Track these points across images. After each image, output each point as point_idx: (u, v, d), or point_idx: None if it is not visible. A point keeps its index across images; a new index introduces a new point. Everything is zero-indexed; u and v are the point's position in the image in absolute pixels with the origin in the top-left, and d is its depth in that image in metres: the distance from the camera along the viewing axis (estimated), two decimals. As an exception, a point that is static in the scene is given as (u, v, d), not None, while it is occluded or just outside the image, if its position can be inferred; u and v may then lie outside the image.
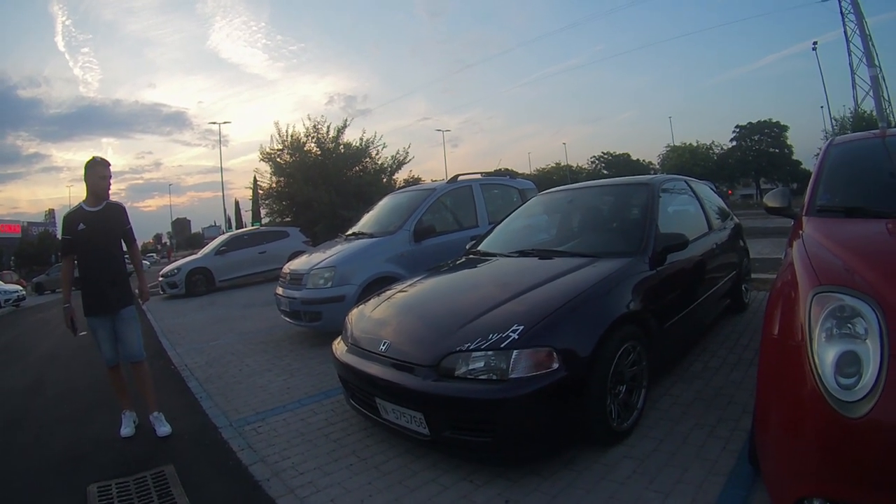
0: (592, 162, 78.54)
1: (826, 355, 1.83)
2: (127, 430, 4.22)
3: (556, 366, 2.85)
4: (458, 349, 3.02)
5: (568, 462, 3.09)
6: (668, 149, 70.20)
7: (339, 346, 3.96)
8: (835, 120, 43.34)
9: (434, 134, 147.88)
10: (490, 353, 2.92)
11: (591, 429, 3.06)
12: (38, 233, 66.45)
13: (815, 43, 46.20)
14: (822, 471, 1.78)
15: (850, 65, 42.49)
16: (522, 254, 4.50)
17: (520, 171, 47.73)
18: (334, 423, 4.05)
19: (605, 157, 77.80)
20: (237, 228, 34.65)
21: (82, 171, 4.20)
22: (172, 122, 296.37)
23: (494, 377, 2.86)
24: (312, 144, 21.21)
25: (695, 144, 68.67)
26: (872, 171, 3.57)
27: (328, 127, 21.45)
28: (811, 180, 3.50)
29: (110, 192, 4.35)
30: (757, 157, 63.88)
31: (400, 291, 4.30)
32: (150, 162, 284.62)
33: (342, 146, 21.43)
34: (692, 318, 4.32)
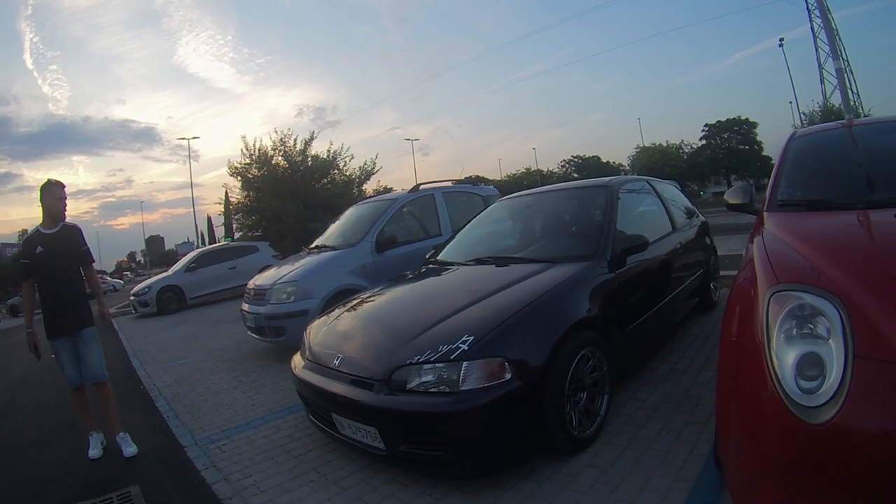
0: (563, 165, 78.53)
1: (786, 357, 1.74)
2: (94, 451, 4.19)
3: (508, 376, 2.78)
4: (408, 362, 2.95)
5: (528, 473, 3.01)
6: (638, 150, 70.56)
7: (297, 362, 3.88)
8: (804, 114, 43.86)
9: (404, 143, 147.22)
10: (440, 365, 2.85)
11: (551, 438, 2.98)
12: (12, 254, 65.29)
13: (781, 39, 47.12)
14: (786, 479, 1.69)
15: (818, 60, 43.41)
16: (479, 262, 4.42)
17: (490, 178, 47.96)
18: (296, 439, 4.01)
19: (576, 160, 77.83)
20: (210, 244, 34.29)
21: (38, 194, 4.17)
22: (142, 138, 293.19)
23: (446, 389, 2.80)
24: (280, 158, 21.19)
25: (664, 145, 69.24)
26: (837, 162, 3.52)
27: (295, 139, 21.48)
28: (772, 174, 3.44)
29: (66, 213, 4.32)
30: (727, 154, 64.36)
31: (355, 304, 4.26)
32: (121, 179, 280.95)
33: (310, 158, 21.46)
34: (657, 320, 4.28)
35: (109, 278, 50.75)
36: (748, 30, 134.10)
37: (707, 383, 3.96)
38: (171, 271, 16.54)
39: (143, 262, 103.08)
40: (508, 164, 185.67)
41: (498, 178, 67.63)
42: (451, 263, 4.67)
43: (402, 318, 3.65)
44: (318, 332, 3.97)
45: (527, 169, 77.94)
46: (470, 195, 8.59)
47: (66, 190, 4.31)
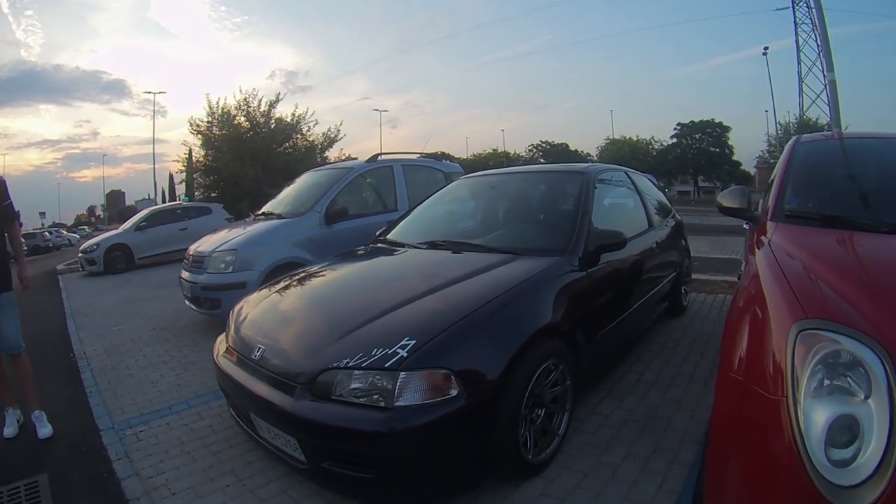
0: (530, 150, 78.23)
1: (814, 416, 1.35)
2: (9, 429, 3.83)
3: (454, 392, 2.34)
4: (335, 364, 2.46)
5: (473, 500, 2.61)
6: (607, 141, 70.52)
7: (220, 346, 3.41)
8: (779, 124, 44.26)
9: (374, 114, 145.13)
10: (373, 372, 2.38)
11: (501, 462, 2.57)
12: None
13: (766, 48, 46.98)
14: None
15: (799, 73, 44.05)
16: (433, 245, 3.91)
17: (456, 156, 47.38)
18: (218, 432, 3.63)
19: (544, 145, 77.67)
20: (170, 202, 33.43)
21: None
22: (112, 90, 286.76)
23: (379, 402, 2.33)
24: (242, 118, 20.62)
25: (635, 139, 69.19)
26: (854, 175, 3.17)
27: (260, 101, 20.91)
28: (776, 180, 3.08)
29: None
30: (697, 155, 65.04)
31: (287, 285, 3.74)
32: (87, 131, 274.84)
33: (273, 121, 20.94)
34: (627, 327, 3.90)
35: (66, 232, 49.08)
36: (731, 35, 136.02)
37: (677, 401, 3.61)
38: (120, 229, 15.95)
39: (101, 216, 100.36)
40: (476, 144, 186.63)
41: (464, 156, 67.31)
42: (402, 245, 4.15)
43: (335, 308, 3.18)
44: (243, 313, 3.44)
45: (493, 150, 77.55)
46: (432, 170, 8.10)
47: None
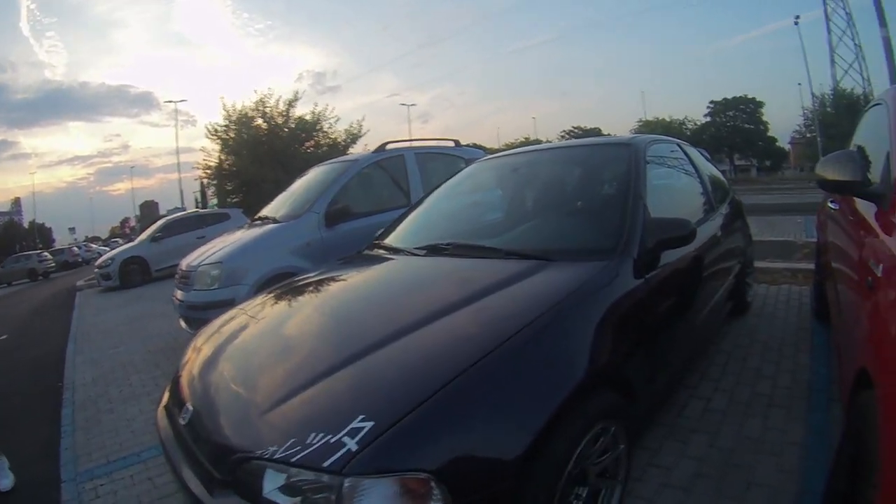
0: (562, 136, 75.67)
1: None
2: None
3: None
4: (259, 453, 1.54)
5: None
6: (640, 124, 68.90)
7: (167, 391, 2.53)
8: (815, 96, 42.60)
9: (404, 110, 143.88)
10: (306, 472, 1.46)
11: None
12: (3, 222, 64.75)
13: (797, 17, 45.57)
14: None
15: (829, 43, 43.22)
16: (433, 251, 2.85)
17: (488, 146, 46.28)
18: (176, 494, 2.90)
19: (576, 130, 75.54)
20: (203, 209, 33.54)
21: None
22: (140, 103, 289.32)
23: None
24: (260, 120, 20.25)
25: (668, 120, 67.29)
26: None
27: (277, 100, 20.51)
28: None
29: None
30: (731, 132, 63.46)
31: (247, 312, 2.76)
32: (118, 145, 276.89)
33: (293, 120, 20.52)
34: (691, 341, 2.98)
35: (94, 246, 48.97)
36: (759, 9, 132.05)
37: (758, 441, 2.72)
38: (136, 241, 15.72)
39: (136, 227, 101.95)
40: (507, 134, 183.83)
41: (495, 146, 65.87)
42: (398, 250, 3.15)
43: (282, 355, 2.18)
44: (195, 349, 2.57)
45: (525, 138, 75.67)
46: (451, 158, 6.92)
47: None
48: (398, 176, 6.36)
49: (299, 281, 3.15)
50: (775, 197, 23.21)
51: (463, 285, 2.27)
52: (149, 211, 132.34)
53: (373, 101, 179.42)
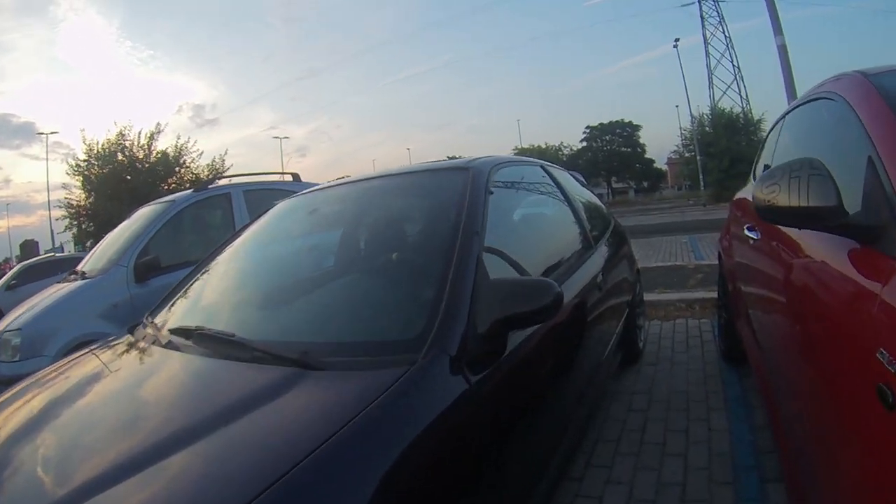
0: (430, 168, 77.37)
1: None
2: None
3: None
4: None
5: None
6: (515, 151, 70.16)
7: None
8: (693, 117, 44.46)
9: (283, 143, 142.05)
10: None
11: None
12: None
13: (676, 40, 46.49)
14: None
15: (708, 65, 45.58)
16: (184, 336, 1.81)
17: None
18: None
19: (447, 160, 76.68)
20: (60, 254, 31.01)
21: None
22: (22, 134, 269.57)
23: None
24: (120, 154, 18.75)
25: (544, 146, 68.14)
26: None
27: (139, 134, 19.07)
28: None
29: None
30: (608, 156, 65.50)
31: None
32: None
33: (156, 154, 19.17)
34: (568, 437, 2.12)
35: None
36: (643, 35, 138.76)
37: None
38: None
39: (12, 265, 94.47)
40: (382, 166, 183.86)
41: (371, 179, 64.14)
42: (154, 336, 2.00)
43: None
44: None
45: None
46: (287, 195, 5.76)
47: None
48: (225, 217, 5.46)
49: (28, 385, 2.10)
50: (655, 217, 23.59)
51: (181, 413, 1.35)
52: (29, 251, 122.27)
53: (251, 135, 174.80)
